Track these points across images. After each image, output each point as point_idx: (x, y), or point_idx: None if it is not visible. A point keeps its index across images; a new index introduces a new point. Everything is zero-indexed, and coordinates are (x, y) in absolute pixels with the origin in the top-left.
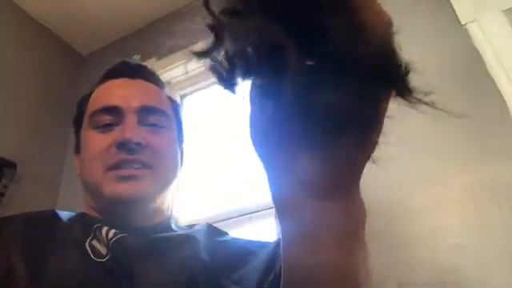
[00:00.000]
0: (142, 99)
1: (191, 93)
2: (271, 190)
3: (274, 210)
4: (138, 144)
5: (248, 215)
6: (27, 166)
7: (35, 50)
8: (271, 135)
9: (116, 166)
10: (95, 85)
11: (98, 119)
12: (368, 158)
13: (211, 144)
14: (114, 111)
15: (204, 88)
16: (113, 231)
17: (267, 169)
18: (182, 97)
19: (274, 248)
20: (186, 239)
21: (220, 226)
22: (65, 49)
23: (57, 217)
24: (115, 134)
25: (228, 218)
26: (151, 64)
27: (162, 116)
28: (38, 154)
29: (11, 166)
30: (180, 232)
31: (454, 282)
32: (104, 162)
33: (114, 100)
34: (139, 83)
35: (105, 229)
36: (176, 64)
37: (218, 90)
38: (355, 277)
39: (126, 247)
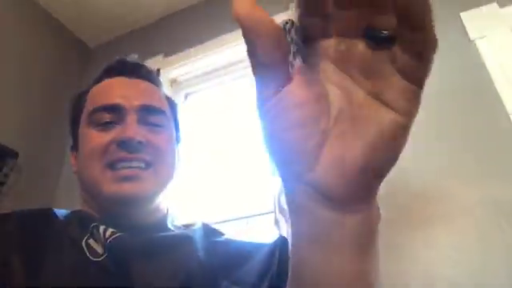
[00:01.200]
0: (142, 98)
1: (196, 92)
2: (286, 193)
3: (272, 216)
4: (140, 143)
5: (245, 219)
6: (29, 155)
7: (42, 39)
8: (287, 142)
9: (116, 164)
10: (92, 83)
11: (98, 117)
12: (394, 163)
13: (213, 144)
14: (115, 110)
15: (209, 88)
16: (110, 230)
17: (282, 174)
18: (187, 95)
19: (272, 247)
20: (183, 239)
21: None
22: (72, 40)
23: (53, 214)
24: (115, 133)
25: (224, 221)
26: (158, 61)
27: (161, 115)
28: (41, 145)
29: (13, 155)
30: (177, 232)
31: None
32: (103, 159)
33: (115, 99)
34: (138, 82)
35: (102, 228)
36: (183, 62)
37: (223, 90)
38: (366, 283)
39: (123, 247)
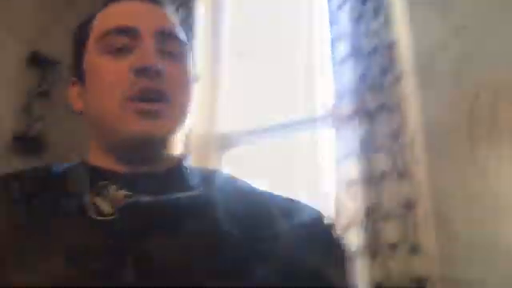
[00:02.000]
0: (159, 22)
1: None
2: None
3: (321, 123)
4: (158, 72)
5: (291, 127)
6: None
7: None
8: None
9: (138, 97)
10: (99, 8)
11: (110, 41)
12: None
13: (259, 43)
14: (130, 32)
15: None
16: (122, 193)
17: None
18: None
19: (312, 229)
20: (206, 208)
21: (263, 136)
22: None
23: (51, 172)
24: (132, 59)
25: (269, 128)
26: None
27: (178, 42)
28: None
29: (55, 64)
30: (199, 193)
31: None
32: (122, 91)
33: (130, 20)
34: (153, 6)
35: (113, 188)
36: None
37: None
38: None
39: (140, 214)
